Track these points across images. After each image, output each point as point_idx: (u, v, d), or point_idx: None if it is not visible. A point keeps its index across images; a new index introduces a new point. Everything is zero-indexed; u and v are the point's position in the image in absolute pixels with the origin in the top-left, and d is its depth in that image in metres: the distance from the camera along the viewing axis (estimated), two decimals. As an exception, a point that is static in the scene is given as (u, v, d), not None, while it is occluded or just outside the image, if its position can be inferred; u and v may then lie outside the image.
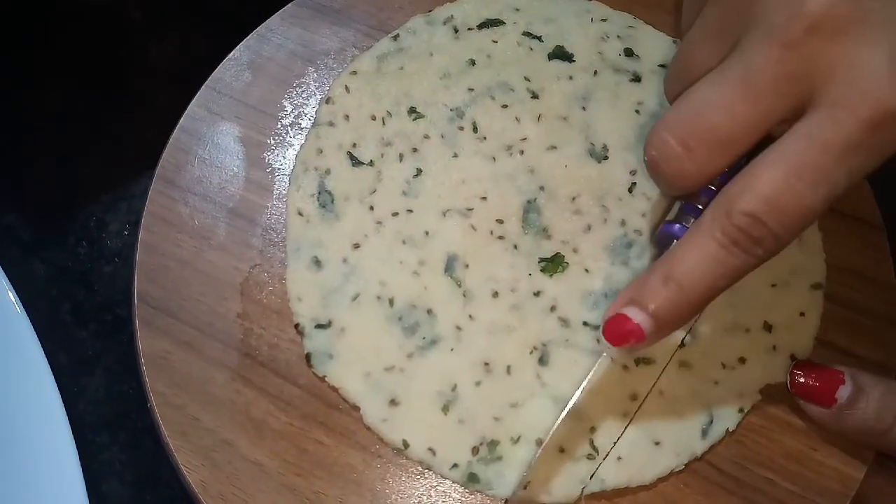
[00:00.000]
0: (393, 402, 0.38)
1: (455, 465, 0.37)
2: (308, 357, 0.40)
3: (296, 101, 0.46)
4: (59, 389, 0.41)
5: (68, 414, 0.41)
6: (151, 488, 0.43)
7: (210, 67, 0.47)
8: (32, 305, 0.43)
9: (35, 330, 0.43)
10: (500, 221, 0.42)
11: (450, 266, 0.41)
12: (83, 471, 0.40)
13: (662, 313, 0.31)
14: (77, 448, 0.40)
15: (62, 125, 0.53)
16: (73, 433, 0.40)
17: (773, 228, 0.29)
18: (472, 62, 0.47)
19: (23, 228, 0.50)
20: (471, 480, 0.37)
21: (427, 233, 0.42)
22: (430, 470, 0.38)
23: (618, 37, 0.48)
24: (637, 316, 0.31)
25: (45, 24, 0.55)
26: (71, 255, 0.49)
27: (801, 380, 0.38)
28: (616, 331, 0.31)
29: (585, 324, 0.40)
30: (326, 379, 0.39)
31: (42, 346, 0.42)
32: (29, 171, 0.51)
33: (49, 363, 0.42)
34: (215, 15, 0.56)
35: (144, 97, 0.53)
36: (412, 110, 0.45)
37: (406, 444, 0.38)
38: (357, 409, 0.38)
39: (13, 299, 0.43)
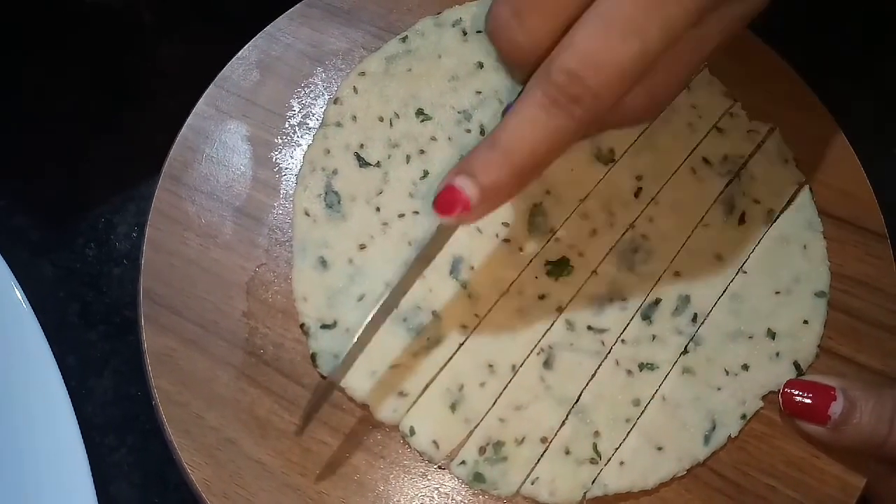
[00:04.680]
0: (401, 394, 0.39)
1: (463, 462, 0.38)
2: (313, 357, 0.40)
3: (304, 101, 0.46)
4: (67, 391, 0.41)
5: (76, 416, 0.41)
6: (160, 491, 0.43)
7: (219, 69, 0.47)
8: (40, 307, 0.43)
9: (43, 331, 0.42)
10: (506, 224, 0.42)
11: (455, 268, 0.41)
12: (92, 473, 0.40)
13: (488, 181, 0.30)
14: (85, 450, 0.40)
15: (71, 126, 0.52)
16: (82, 435, 0.40)
17: (591, 84, 0.29)
18: (480, 65, 0.47)
19: (31, 229, 0.49)
20: (476, 480, 0.37)
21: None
22: (433, 465, 0.38)
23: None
24: (466, 186, 0.31)
25: (55, 25, 0.55)
26: (79, 256, 0.49)
27: (793, 399, 0.38)
28: (444, 201, 0.31)
29: (590, 328, 0.40)
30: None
31: (50, 348, 0.42)
32: (37, 172, 0.51)
33: (57, 365, 0.42)
34: (224, 17, 0.56)
35: (153, 99, 0.53)
36: (420, 112, 0.45)
37: (413, 431, 0.38)
38: (364, 407, 0.39)
39: (20, 297, 0.43)
